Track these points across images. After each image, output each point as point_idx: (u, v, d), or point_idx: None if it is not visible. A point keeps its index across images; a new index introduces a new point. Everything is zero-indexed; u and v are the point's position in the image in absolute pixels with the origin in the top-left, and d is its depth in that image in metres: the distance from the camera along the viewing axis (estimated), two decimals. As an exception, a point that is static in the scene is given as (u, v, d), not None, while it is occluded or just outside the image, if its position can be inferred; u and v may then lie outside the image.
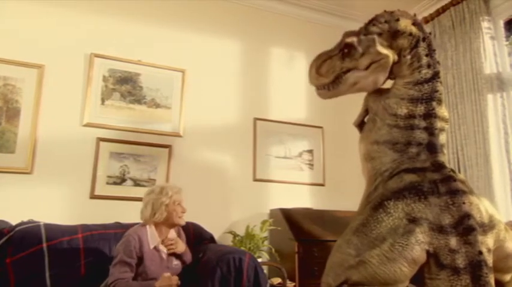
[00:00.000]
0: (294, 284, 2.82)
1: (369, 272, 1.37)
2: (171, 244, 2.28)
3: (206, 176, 3.30)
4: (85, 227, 2.53)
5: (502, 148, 2.99)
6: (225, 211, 3.32)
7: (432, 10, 3.63)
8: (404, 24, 1.69)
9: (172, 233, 2.33)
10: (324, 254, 2.41)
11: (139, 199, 2.79)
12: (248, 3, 3.78)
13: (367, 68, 1.72)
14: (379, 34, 1.70)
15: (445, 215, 1.41)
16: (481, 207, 1.48)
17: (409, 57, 1.69)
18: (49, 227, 2.44)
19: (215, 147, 3.40)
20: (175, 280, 2.10)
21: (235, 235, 3.01)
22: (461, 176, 1.64)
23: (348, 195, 3.56)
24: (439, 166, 1.55)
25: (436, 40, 3.46)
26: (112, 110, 3.11)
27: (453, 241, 1.36)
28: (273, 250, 2.99)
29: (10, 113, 2.83)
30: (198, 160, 3.31)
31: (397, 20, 1.69)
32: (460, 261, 1.34)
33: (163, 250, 2.26)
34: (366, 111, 1.84)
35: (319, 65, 1.83)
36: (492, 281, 1.35)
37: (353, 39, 1.73)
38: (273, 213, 3.31)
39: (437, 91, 1.66)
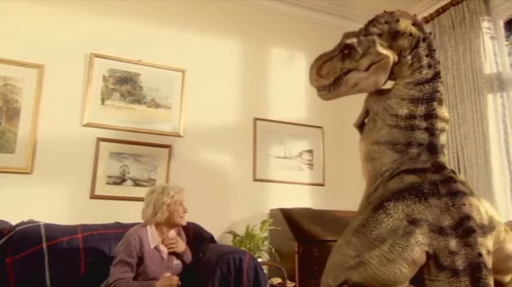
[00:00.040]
0: (294, 284, 2.82)
1: (369, 273, 1.37)
2: (172, 243, 2.28)
3: (206, 176, 3.30)
4: (85, 227, 2.53)
5: (502, 148, 2.99)
6: (225, 211, 3.32)
7: (432, 10, 3.63)
8: (405, 24, 1.69)
9: (172, 233, 2.34)
10: (324, 254, 2.41)
11: (139, 199, 2.79)
12: (248, 3, 3.78)
13: (367, 69, 1.72)
14: (379, 35, 1.70)
15: (445, 216, 1.40)
16: (481, 208, 1.48)
17: (409, 57, 1.69)
18: (49, 227, 2.44)
19: (215, 147, 3.40)
20: (175, 280, 2.10)
21: (235, 235, 3.01)
22: (461, 177, 1.64)
23: (347, 195, 3.56)
24: (440, 167, 1.55)
25: (436, 40, 3.46)
26: (112, 110, 3.11)
27: (453, 243, 1.36)
28: (273, 250, 2.99)
29: (10, 113, 2.83)
30: (198, 160, 3.31)
31: (397, 20, 1.69)
32: (460, 263, 1.34)
33: (164, 250, 2.26)
34: (367, 112, 1.84)
35: (320, 66, 1.83)
36: (491, 283, 1.35)
37: (353, 40, 1.73)
38: (273, 213, 3.31)
39: (438, 91, 1.66)
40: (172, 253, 2.30)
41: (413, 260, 1.36)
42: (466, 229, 1.37)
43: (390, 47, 1.70)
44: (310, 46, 3.91)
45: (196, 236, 2.75)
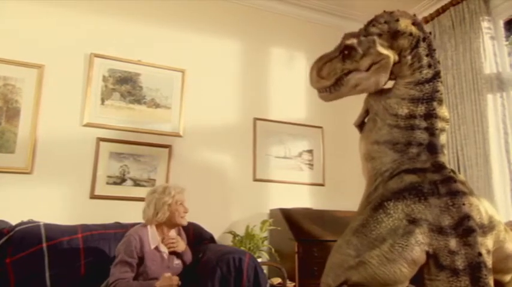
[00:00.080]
0: (293, 284, 2.82)
1: (369, 273, 1.37)
2: (172, 243, 2.28)
3: (206, 176, 3.30)
4: (85, 227, 2.53)
5: (502, 148, 2.99)
6: (225, 211, 3.32)
7: (432, 10, 3.63)
8: (405, 24, 1.69)
9: (172, 233, 2.34)
10: (323, 254, 2.41)
11: (139, 199, 2.80)
12: (248, 3, 3.78)
13: (368, 69, 1.72)
14: (379, 35, 1.70)
15: (445, 216, 1.41)
16: (481, 208, 1.48)
17: (409, 57, 1.69)
18: (49, 227, 2.44)
19: (215, 147, 3.40)
20: (175, 280, 2.11)
21: (235, 235, 3.01)
22: (461, 177, 1.64)
23: (347, 195, 3.56)
24: (440, 167, 1.55)
25: (436, 40, 3.45)
26: (112, 110, 3.11)
27: (453, 242, 1.36)
28: (273, 250, 2.99)
29: (10, 113, 2.83)
30: (198, 160, 3.31)
31: (397, 20, 1.69)
32: (460, 262, 1.34)
33: (164, 250, 2.26)
34: (367, 112, 1.84)
35: (320, 67, 1.83)
36: (491, 283, 1.35)
37: (353, 41, 1.73)
38: (272, 213, 3.31)
39: (438, 91, 1.66)
40: (173, 253, 2.30)
41: (413, 260, 1.36)
42: (466, 228, 1.37)
43: (390, 47, 1.70)
44: (310, 46, 3.91)
45: (196, 236, 2.75)
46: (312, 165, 3.73)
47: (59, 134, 2.93)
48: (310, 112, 3.81)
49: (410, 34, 1.67)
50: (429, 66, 1.67)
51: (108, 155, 3.02)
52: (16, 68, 2.88)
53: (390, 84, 1.77)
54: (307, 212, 3.31)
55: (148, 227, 2.25)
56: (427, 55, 1.68)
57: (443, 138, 1.68)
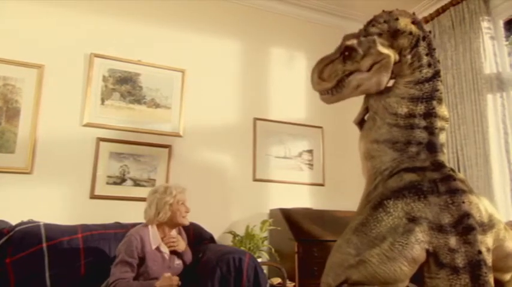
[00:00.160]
0: (293, 284, 2.82)
1: (369, 272, 1.37)
2: (173, 242, 2.28)
3: (206, 176, 3.30)
4: (85, 227, 2.53)
5: (502, 148, 2.99)
6: (225, 211, 3.32)
7: (432, 10, 3.64)
8: (404, 23, 1.69)
9: (173, 233, 2.34)
10: (323, 254, 2.41)
11: (139, 199, 2.80)
12: (248, 3, 3.78)
13: (369, 69, 1.71)
14: (379, 34, 1.70)
15: (444, 214, 1.41)
16: (481, 206, 1.48)
17: (409, 56, 1.69)
18: (49, 227, 2.44)
19: (215, 147, 3.40)
20: (175, 280, 2.10)
21: (235, 235, 3.01)
22: (460, 175, 1.64)
23: (347, 195, 3.56)
24: (439, 165, 1.55)
25: (435, 40, 3.46)
26: (112, 110, 3.11)
27: (453, 240, 1.36)
28: (273, 250, 2.99)
29: (10, 113, 2.83)
30: (198, 160, 3.31)
31: (396, 19, 1.69)
32: (460, 260, 1.34)
33: (165, 250, 2.26)
34: (366, 109, 1.84)
35: (321, 69, 1.83)
36: (491, 281, 1.35)
37: (353, 42, 1.72)
38: (272, 213, 3.31)
39: (437, 90, 1.66)
40: (174, 253, 2.30)
41: (414, 258, 1.36)
42: (465, 226, 1.37)
43: (391, 46, 1.70)
44: (310, 46, 3.91)
45: (196, 236, 2.75)
46: (312, 165, 3.73)
47: (59, 134, 2.93)
48: (310, 112, 3.81)
49: (410, 33, 1.68)
50: (429, 65, 1.68)
51: (108, 155, 3.02)
52: (16, 68, 2.88)
53: (390, 83, 1.78)
54: (307, 212, 3.31)
55: (150, 227, 2.25)
56: (427, 54, 1.68)
57: (442, 137, 1.68)
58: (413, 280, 1.43)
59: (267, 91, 3.72)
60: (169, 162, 3.19)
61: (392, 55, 1.69)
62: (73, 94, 3.02)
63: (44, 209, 2.71)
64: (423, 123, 1.63)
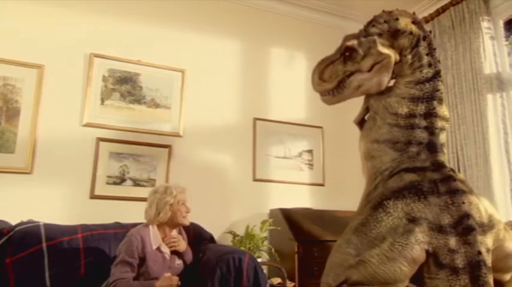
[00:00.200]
0: (293, 284, 2.82)
1: (369, 272, 1.37)
2: (174, 241, 2.28)
3: (206, 176, 3.30)
4: (85, 227, 2.53)
5: (502, 148, 2.99)
6: (224, 211, 3.32)
7: (432, 10, 3.64)
8: (404, 23, 1.68)
9: (173, 233, 2.34)
10: (323, 254, 2.41)
11: (139, 199, 2.80)
12: (248, 3, 3.78)
13: (370, 69, 1.71)
14: (379, 35, 1.70)
15: (444, 214, 1.41)
16: (481, 207, 1.48)
17: (409, 56, 1.69)
18: (49, 227, 2.44)
19: (215, 147, 3.40)
20: (175, 280, 2.10)
21: (235, 235, 3.01)
22: (461, 175, 1.64)
23: (347, 195, 3.56)
24: (439, 166, 1.55)
25: (435, 40, 3.45)
26: (112, 110, 3.11)
27: (452, 241, 1.36)
28: (273, 250, 2.99)
29: (10, 113, 2.83)
30: (198, 160, 3.31)
31: (397, 19, 1.68)
32: (459, 261, 1.34)
33: (166, 250, 2.26)
34: (367, 109, 1.84)
35: (322, 70, 1.83)
36: (491, 281, 1.35)
37: (353, 42, 1.72)
38: (272, 213, 3.31)
39: (438, 90, 1.66)
40: (174, 253, 2.30)
41: (413, 259, 1.36)
42: (465, 227, 1.37)
43: (391, 46, 1.70)
44: (310, 46, 3.91)
45: (196, 236, 2.75)
46: (311, 165, 3.73)
47: (59, 134, 2.93)
48: (310, 112, 3.81)
49: (411, 33, 1.67)
50: (429, 65, 1.67)
51: (108, 155, 3.02)
52: (16, 68, 2.88)
53: (390, 83, 1.77)
54: (307, 212, 3.31)
55: (150, 227, 2.25)
56: (427, 54, 1.68)
57: (443, 137, 1.68)
58: (413, 280, 1.43)
59: (267, 91, 3.72)
60: (169, 162, 3.19)
61: (393, 55, 1.69)
62: (73, 94, 3.02)
63: (44, 209, 2.71)
64: (424, 123, 1.63)
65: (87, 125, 3.00)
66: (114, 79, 3.16)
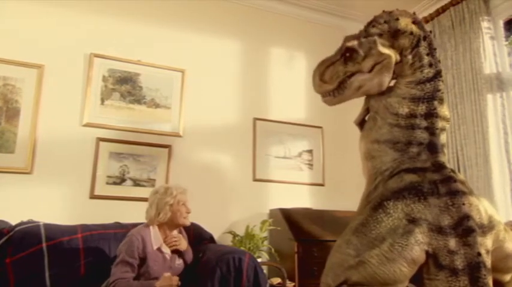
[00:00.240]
0: (293, 284, 2.82)
1: (369, 273, 1.37)
2: (175, 241, 2.28)
3: (206, 176, 3.30)
4: (85, 227, 2.53)
5: (502, 148, 2.99)
6: (224, 211, 3.32)
7: (432, 10, 3.64)
8: (405, 23, 1.68)
9: (174, 232, 2.34)
10: (323, 254, 2.40)
11: (139, 199, 2.80)
12: (248, 3, 3.78)
13: (370, 70, 1.71)
14: (380, 35, 1.69)
15: (444, 216, 1.40)
16: (481, 208, 1.48)
17: (410, 56, 1.68)
18: (49, 227, 2.44)
19: (215, 147, 3.40)
20: (175, 280, 2.11)
21: (235, 235, 3.01)
22: (461, 176, 1.63)
23: (347, 195, 3.56)
24: (440, 166, 1.55)
25: (435, 40, 3.45)
26: (112, 110, 3.11)
27: (452, 242, 1.36)
28: (273, 250, 2.99)
29: (10, 113, 2.83)
30: (197, 160, 3.31)
31: (397, 19, 1.68)
32: (459, 262, 1.34)
33: (167, 250, 2.26)
34: (367, 109, 1.83)
35: (322, 72, 1.83)
36: (490, 283, 1.34)
37: (354, 43, 1.72)
38: (272, 213, 3.31)
39: (439, 90, 1.66)
40: (175, 252, 2.30)
41: (413, 259, 1.36)
42: (465, 228, 1.37)
43: (392, 47, 1.69)
44: (310, 46, 3.91)
45: (196, 236, 2.75)
46: (311, 165, 3.73)
47: (59, 134, 2.93)
48: (310, 112, 3.81)
49: (411, 33, 1.67)
50: (430, 65, 1.67)
51: (107, 155, 3.02)
52: (16, 68, 2.88)
53: (391, 83, 1.77)
54: (307, 212, 3.31)
55: (151, 227, 2.25)
56: (427, 54, 1.68)
57: (443, 138, 1.67)
58: (412, 281, 1.43)
59: (267, 91, 3.72)
60: (169, 162, 3.19)
61: (393, 55, 1.69)
62: (73, 94, 3.02)
63: (44, 209, 2.71)
64: (424, 123, 1.62)
65: (87, 125, 3.00)
66: (114, 79, 3.16)
